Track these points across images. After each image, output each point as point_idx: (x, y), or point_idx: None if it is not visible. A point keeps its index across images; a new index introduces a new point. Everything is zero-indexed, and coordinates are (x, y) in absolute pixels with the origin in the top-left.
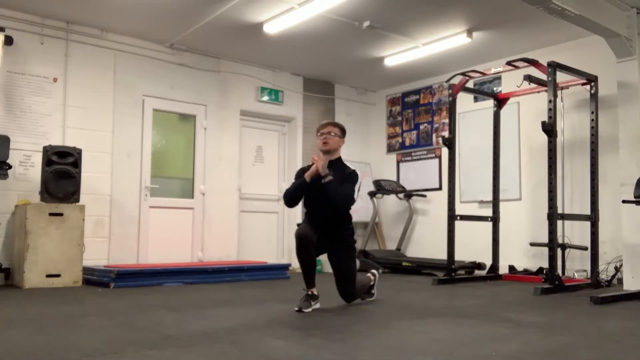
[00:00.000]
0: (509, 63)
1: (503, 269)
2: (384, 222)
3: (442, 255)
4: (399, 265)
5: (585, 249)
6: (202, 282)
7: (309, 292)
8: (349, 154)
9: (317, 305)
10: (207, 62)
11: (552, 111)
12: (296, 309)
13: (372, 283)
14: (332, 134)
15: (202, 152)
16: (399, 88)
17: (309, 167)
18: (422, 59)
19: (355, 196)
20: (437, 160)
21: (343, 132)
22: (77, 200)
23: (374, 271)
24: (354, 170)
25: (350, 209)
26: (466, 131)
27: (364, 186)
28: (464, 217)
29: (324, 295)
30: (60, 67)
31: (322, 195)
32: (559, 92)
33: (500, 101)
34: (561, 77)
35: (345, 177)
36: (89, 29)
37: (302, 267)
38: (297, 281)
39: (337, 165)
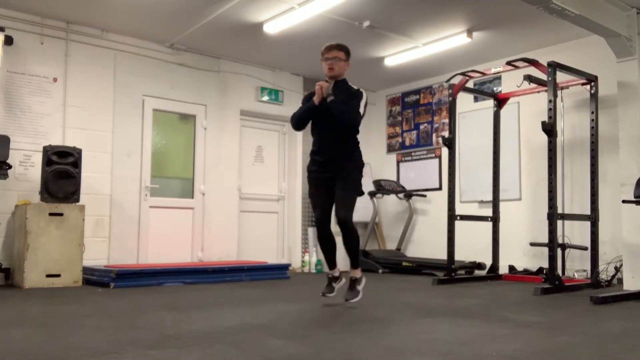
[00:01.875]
0: (509, 63)
1: (503, 269)
2: (384, 222)
3: (442, 255)
4: (399, 265)
5: (585, 249)
6: (202, 282)
7: (330, 275)
8: None
9: (342, 283)
10: (207, 62)
11: (552, 111)
12: (320, 293)
13: (359, 276)
14: (338, 58)
15: (202, 152)
16: (399, 88)
17: (315, 92)
18: (422, 59)
19: (362, 112)
20: (437, 160)
21: (348, 54)
22: (77, 200)
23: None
24: (359, 89)
25: (358, 131)
26: (466, 131)
27: (364, 186)
28: (464, 217)
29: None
30: (60, 67)
31: (329, 118)
32: (559, 92)
33: (500, 101)
34: (561, 77)
35: (350, 95)
36: (89, 29)
37: (322, 250)
38: (297, 281)
39: (342, 85)
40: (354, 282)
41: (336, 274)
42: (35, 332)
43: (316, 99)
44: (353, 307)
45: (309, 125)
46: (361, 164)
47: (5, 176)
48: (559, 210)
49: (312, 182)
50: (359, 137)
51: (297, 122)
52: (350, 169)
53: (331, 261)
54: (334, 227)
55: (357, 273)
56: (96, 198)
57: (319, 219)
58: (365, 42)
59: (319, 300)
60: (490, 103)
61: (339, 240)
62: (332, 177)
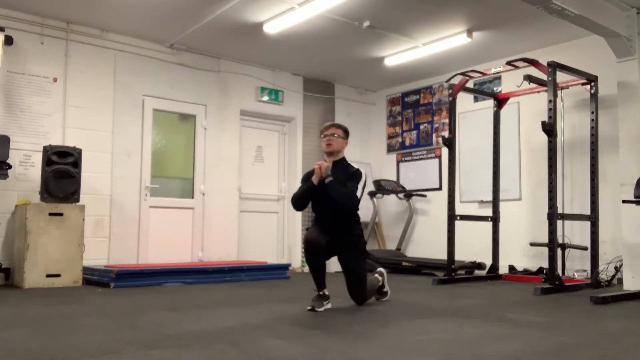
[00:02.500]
0: (509, 63)
1: (503, 269)
2: (384, 222)
3: (442, 255)
4: (399, 265)
5: (585, 249)
6: (202, 282)
7: (320, 293)
8: (348, 154)
9: (329, 305)
10: (207, 62)
11: (552, 111)
12: (309, 308)
13: (380, 283)
14: (336, 135)
15: (202, 152)
16: (399, 88)
17: (314, 171)
18: (422, 59)
19: (359, 194)
20: (437, 160)
21: (346, 133)
22: (77, 200)
23: (380, 269)
24: (358, 169)
25: (357, 209)
26: (466, 131)
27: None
28: (464, 217)
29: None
30: (60, 67)
31: (327, 198)
32: (559, 92)
33: (500, 101)
34: (561, 77)
35: (349, 176)
36: (89, 29)
37: (311, 271)
38: (297, 281)
39: (341, 165)
40: (379, 288)
41: (326, 292)
42: (35, 332)
43: (315, 179)
44: (352, 308)
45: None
46: (363, 243)
47: (5, 176)
48: (559, 210)
49: (309, 251)
50: (360, 137)
51: (297, 202)
52: (352, 250)
53: (321, 282)
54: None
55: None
56: (96, 198)
57: (311, 239)
58: (365, 42)
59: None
60: (490, 103)
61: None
62: (336, 246)
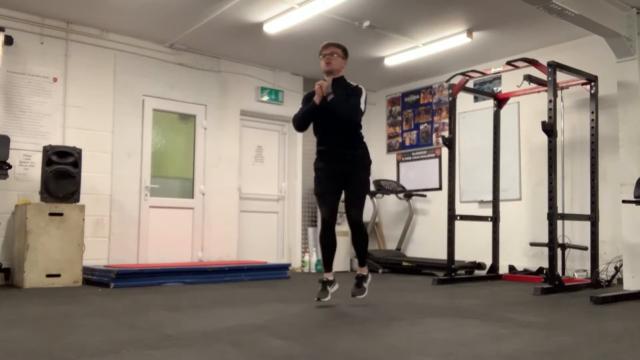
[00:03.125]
0: (509, 63)
1: (503, 269)
2: (384, 222)
3: (442, 255)
4: (399, 265)
5: (585, 249)
6: (202, 282)
7: (325, 279)
8: None
9: (335, 287)
10: (207, 62)
11: (552, 111)
12: (315, 298)
13: (366, 274)
14: (335, 54)
15: (202, 152)
16: (399, 88)
17: (314, 92)
18: (422, 59)
19: (362, 107)
20: (437, 160)
21: (345, 52)
22: (77, 200)
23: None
24: (357, 85)
25: (360, 127)
26: (466, 131)
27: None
28: (464, 217)
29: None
30: (60, 67)
31: (331, 115)
32: (559, 92)
33: (500, 101)
34: (561, 77)
35: (350, 92)
36: (89, 29)
37: (322, 249)
38: (297, 281)
39: (340, 83)
40: (360, 279)
41: (330, 277)
42: (35, 332)
43: (317, 98)
44: (353, 308)
45: (311, 126)
46: (368, 161)
47: (5, 176)
48: (559, 210)
49: (319, 180)
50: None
51: (299, 122)
52: (358, 167)
53: (329, 262)
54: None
55: (364, 270)
56: (96, 198)
57: (325, 217)
58: (365, 42)
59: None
60: (490, 103)
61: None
62: (340, 174)
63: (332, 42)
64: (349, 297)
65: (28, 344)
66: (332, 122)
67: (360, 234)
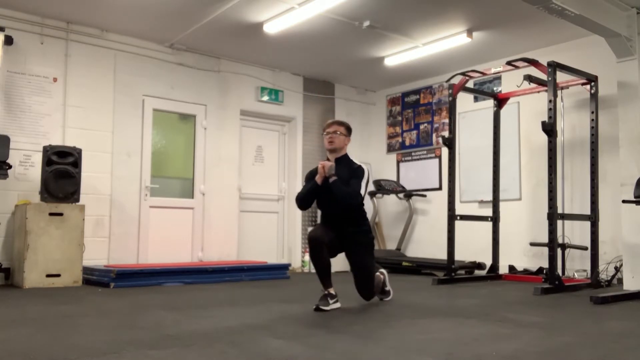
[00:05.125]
0: (509, 63)
1: (503, 269)
2: (384, 222)
3: (442, 255)
4: (399, 265)
5: (585, 249)
6: (202, 282)
7: (327, 292)
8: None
9: (337, 305)
10: (207, 62)
11: (552, 111)
12: (314, 307)
13: (382, 281)
14: (338, 132)
15: (202, 152)
16: (399, 88)
17: (317, 170)
18: (422, 59)
19: (363, 192)
20: (437, 160)
21: (349, 130)
22: (77, 200)
23: (382, 270)
24: (360, 166)
25: (362, 205)
26: (466, 131)
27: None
28: (464, 217)
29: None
30: (60, 67)
31: (331, 197)
32: (559, 92)
33: (500, 101)
34: (561, 77)
35: (351, 172)
36: (89, 29)
37: (316, 269)
38: (297, 281)
39: (343, 162)
40: (382, 287)
41: (332, 292)
42: (35, 332)
43: (319, 179)
44: (353, 308)
45: None
46: (371, 239)
47: (5, 176)
48: (559, 210)
49: (313, 249)
50: (360, 137)
51: (302, 202)
52: (361, 243)
53: (327, 280)
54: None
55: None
56: (96, 198)
57: (315, 236)
58: (365, 42)
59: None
60: (490, 103)
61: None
62: (343, 240)
63: (336, 120)
64: (348, 298)
65: (28, 344)
66: (333, 204)
67: (369, 281)
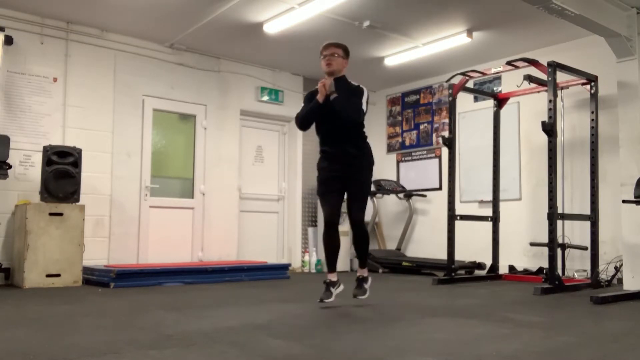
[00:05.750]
0: (509, 63)
1: (503, 269)
2: (384, 222)
3: (442, 255)
4: (399, 265)
5: (585, 249)
6: (202, 282)
7: (328, 280)
8: None
9: (340, 289)
10: (207, 62)
11: (552, 111)
12: (318, 300)
13: (366, 275)
14: (336, 55)
15: (202, 152)
16: (399, 88)
17: (316, 90)
18: (422, 59)
19: (364, 108)
20: (437, 160)
21: (346, 52)
22: (77, 200)
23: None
24: (359, 85)
25: (363, 125)
26: (466, 131)
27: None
28: (464, 217)
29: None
30: (60, 67)
31: (333, 114)
32: (559, 92)
33: (500, 101)
34: (561, 77)
35: (351, 92)
36: (89, 29)
37: (326, 250)
38: (297, 281)
39: (342, 83)
40: (361, 281)
41: (334, 278)
42: (35, 332)
43: (320, 97)
44: (353, 308)
45: (313, 126)
46: (371, 161)
47: (5, 176)
48: (559, 210)
49: (322, 180)
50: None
51: (302, 121)
52: (361, 167)
53: (333, 263)
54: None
55: (365, 272)
56: (96, 198)
57: (328, 217)
58: (365, 42)
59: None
60: (490, 103)
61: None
62: (343, 174)
63: (333, 42)
64: (348, 298)
65: (28, 344)
66: (335, 122)
67: (361, 235)
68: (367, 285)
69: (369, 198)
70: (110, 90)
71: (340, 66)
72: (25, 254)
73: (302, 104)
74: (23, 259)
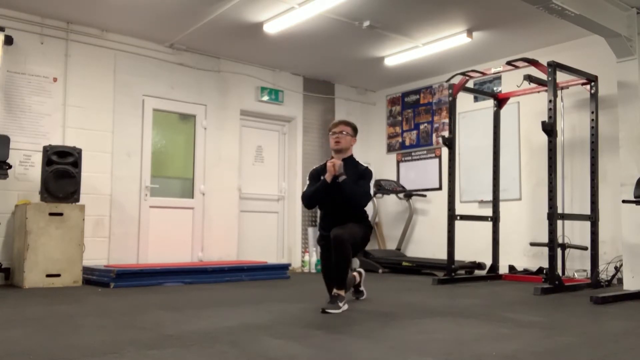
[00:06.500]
0: (509, 63)
1: (503, 269)
2: (384, 222)
3: (442, 255)
4: (399, 265)
5: (585, 249)
6: (202, 282)
7: (333, 294)
8: None
9: (345, 307)
10: (207, 62)
11: (552, 111)
12: (321, 310)
13: (358, 281)
14: (344, 132)
15: (202, 152)
16: (399, 88)
17: (321, 167)
18: (422, 59)
19: (371, 192)
20: (437, 160)
21: (355, 130)
22: (77, 200)
23: (360, 270)
24: (367, 167)
25: (366, 206)
26: (466, 131)
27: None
28: (464, 217)
29: (321, 295)
30: (60, 67)
31: (339, 195)
32: (559, 92)
33: (500, 101)
34: (561, 77)
35: (359, 174)
36: (89, 29)
37: (323, 273)
38: (297, 281)
39: (349, 163)
40: (335, 298)
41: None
42: (35, 332)
43: (328, 177)
44: (352, 308)
45: None
46: (369, 225)
47: (5, 176)
48: (559, 210)
49: (322, 250)
50: (360, 137)
51: (310, 201)
52: (355, 227)
53: (330, 286)
54: None
55: (342, 292)
56: (96, 198)
57: (325, 249)
58: (365, 42)
59: (319, 301)
60: (490, 103)
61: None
62: None
63: (343, 120)
64: (348, 298)
65: (28, 344)
66: (339, 202)
67: (340, 252)
68: (341, 304)
69: (361, 238)
70: (110, 90)
71: (348, 144)
72: (25, 254)
73: (308, 182)
74: (23, 259)
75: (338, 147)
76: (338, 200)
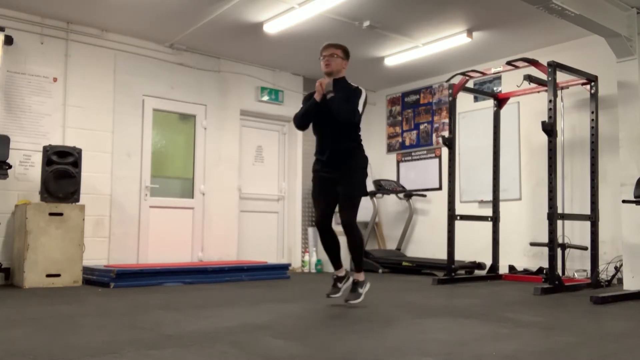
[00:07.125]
0: (509, 63)
1: (503, 269)
2: (384, 222)
3: (442, 255)
4: (399, 265)
5: (585, 249)
6: (202, 282)
7: (335, 276)
8: None
9: (349, 282)
10: (207, 62)
11: (552, 111)
12: (326, 295)
13: (362, 280)
14: (335, 55)
15: (202, 152)
16: (399, 88)
17: (315, 92)
18: (422, 59)
19: (360, 109)
20: (437, 160)
21: (346, 53)
22: (77, 200)
23: (366, 282)
24: (358, 87)
25: (359, 129)
26: (466, 131)
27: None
28: (464, 217)
29: (321, 295)
30: (60, 67)
31: (329, 114)
32: (559, 92)
33: (500, 101)
34: (561, 77)
35: (349, 92)
36: (89, 29)
37: (325, 250)
38: (297, 281)
39: (341, 84)
40: (356, 285)
41: (341, 273)
42: (35, 332)
43: (317, 96)
44: (353, 308)
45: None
46: (365, 163)
47: (5, 176)
48: (559, 210)
49: (315, 182)
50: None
51: (300, 121)
52: (353, 169)
53: (335, 261)
54: (337, 227)
55: (360, 276)
56: (96, 198)
57: (318, 219)
58: (365, 42)
59: (319, 300)
60: (490, 103)
61: (342, 239)
62: (336, 177)
63: (332, 43)
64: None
65: (28, 344)
66: (329, 122)
67: (352, 237)
68: (362, 290)
69: (368, 198)
70: (110, 90)
71: (339, 67)
72: (25, 254)
73: (301, 105)
74: (23, 259)
75: (328, 69)
76: (329, 121)
